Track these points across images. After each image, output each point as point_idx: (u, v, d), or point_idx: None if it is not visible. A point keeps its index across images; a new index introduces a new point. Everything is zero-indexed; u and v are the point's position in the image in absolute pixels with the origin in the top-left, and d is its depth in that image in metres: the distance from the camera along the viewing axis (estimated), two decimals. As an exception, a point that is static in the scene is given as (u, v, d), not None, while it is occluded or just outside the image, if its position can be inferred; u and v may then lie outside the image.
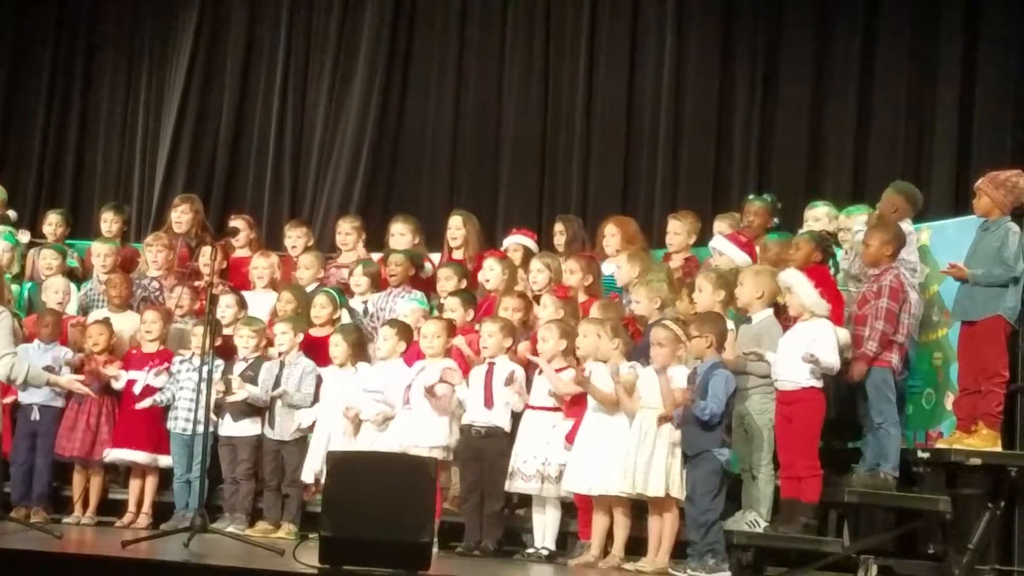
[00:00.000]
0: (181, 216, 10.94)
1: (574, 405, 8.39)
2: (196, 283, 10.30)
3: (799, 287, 7.87)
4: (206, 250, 10.13)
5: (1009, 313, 8.01)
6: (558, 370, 8.52)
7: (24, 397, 9.78)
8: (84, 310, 10.57)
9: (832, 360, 7.77)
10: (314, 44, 12.68)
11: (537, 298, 9.22)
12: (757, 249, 8.95)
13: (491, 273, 9.57)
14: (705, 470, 7.63)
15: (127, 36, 13.29)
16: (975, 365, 8.06)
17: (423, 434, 8.71)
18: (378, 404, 9.04)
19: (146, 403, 9.69)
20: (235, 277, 10.58)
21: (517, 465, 8.48)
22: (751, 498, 7.87)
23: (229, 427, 9.55)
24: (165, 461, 9.74)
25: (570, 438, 8.30)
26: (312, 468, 9.18)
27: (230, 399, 9.42)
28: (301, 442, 9.40)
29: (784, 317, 8.09)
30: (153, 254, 10.64)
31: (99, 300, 10.58)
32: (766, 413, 7.91)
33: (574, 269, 9.30)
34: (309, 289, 10.09)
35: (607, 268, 9.56)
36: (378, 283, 10.07)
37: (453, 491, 8.95)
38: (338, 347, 9.31)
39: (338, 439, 9.10)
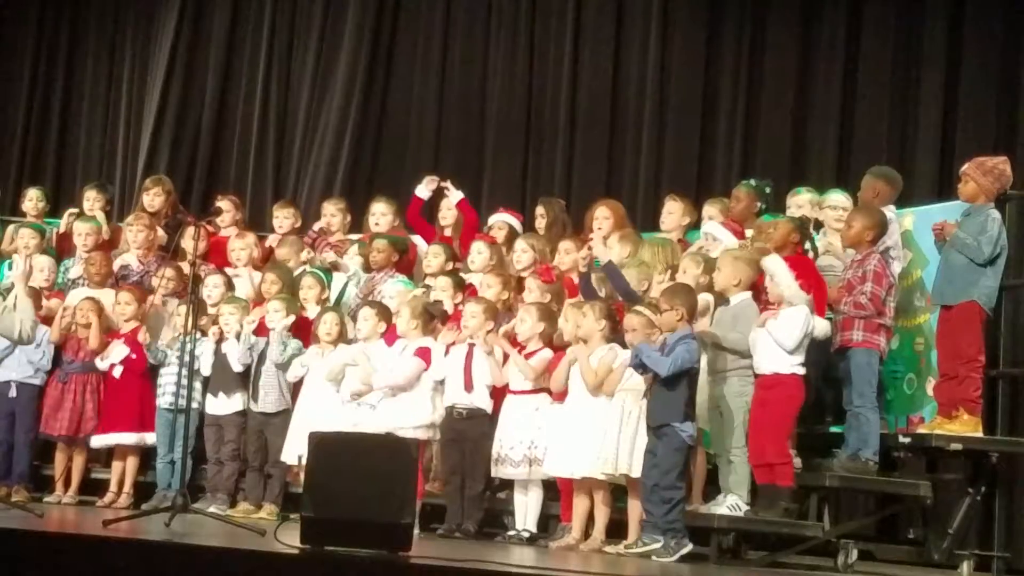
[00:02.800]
0: (154, 198, 10.90)
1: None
2: (180, 263, 10.28)
3: (780, 276, 7.86)
4: (190, 230, 10.10)
5: (984, 299, 8.04)
6: (529, 354, 8.55)
7: (1, 374, 9.79)
8: (63, 288, 10.54)
9: (786, 341, 7.73)
10: (299, 24, 12.63)
11: (520, 280, 9.21)
12: (750, 232, 8.94)
13: (478, 257, 9.56)
14: (668, 447, 7.60)
15: (111, 15, 13.22)
16: (952, 351, 8.10)
17: (406, 415, 8.71)
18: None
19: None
20: (216, 257, 10.54)
21: (504, 452, 8.49)
22: (729, 482, 7.88)
23: (216, 405, 9.55)
24: (152, 439, 9.77)
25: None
26: (293, 450, 9.15)
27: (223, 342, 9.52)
28: (285, 422, 9.40)
29: (763, 301, 8.09)
30: (134, 234, 10.60)
31: (80, 279, 10.55)
32: (742, 396, 7.89)
33: (569, 249, 9.28)
34: (295, 273, 10.08)
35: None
36: (368, 265, 10.06)
37: (435, 473, 8.96)
38: (336, 325, 9.30)
39: (320, 417, 9.10)
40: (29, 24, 13.25)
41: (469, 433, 8.65)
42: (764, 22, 11.26)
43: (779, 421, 7.77)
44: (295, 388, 9.53)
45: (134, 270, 10.49)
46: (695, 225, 9.58)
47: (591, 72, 11.69)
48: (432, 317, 9.04)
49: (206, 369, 9.50)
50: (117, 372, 9.81)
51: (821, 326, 8.01)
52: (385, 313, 9.15)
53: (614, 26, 11.66)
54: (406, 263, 10.10)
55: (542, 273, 9.09)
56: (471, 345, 8.73)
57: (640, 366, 7.74)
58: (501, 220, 10.13)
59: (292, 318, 9.52)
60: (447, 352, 8.86)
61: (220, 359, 9.57)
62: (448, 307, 9.26)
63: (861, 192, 8.76)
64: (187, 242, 10.17)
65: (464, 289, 9.44)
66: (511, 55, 11.97)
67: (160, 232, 10.71)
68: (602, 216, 9.67)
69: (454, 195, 10.16)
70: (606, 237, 9.44)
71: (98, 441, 9.81)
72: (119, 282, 10.42)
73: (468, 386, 8.66)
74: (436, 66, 12.20)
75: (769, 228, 8.55)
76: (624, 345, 8.16)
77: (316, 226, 10.61)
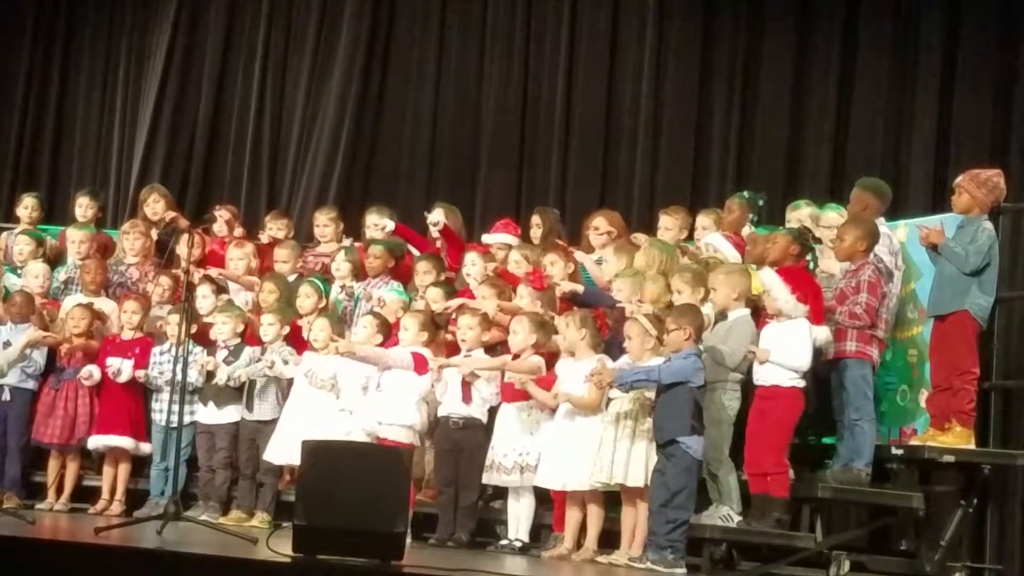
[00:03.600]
0: (154, 205, 10.90)
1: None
2: (175, 270, 10.28)
3: (776, 291, 7.87)
4: (184, 237, 10.12)
5: (976, 310, 8.03)
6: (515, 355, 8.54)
7: (-6, 378, 9.80)
8: (56, 295, 10.53)
9: (799, 363, 7.77)
10: (294, 33, 12.63)
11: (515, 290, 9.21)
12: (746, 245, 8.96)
13: (473, 268, 9.54)
14: (678, 466, 7.61)
15: (106, 23, 13.21)
16: (946, 362, 8.09)
17: (393, 414, 8.68)
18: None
19: (139, 373, 9.70)
20: (213, 266, 10.52)
21: (497, 459, 8.48)
22: (721, 493, 7.88)
23: (210, 415, 9.55)
24: (147, 448, 9.75)
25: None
26: (279, 451, 9.15)
27: (215, 381, 9.45)
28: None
29: (763, 315, 8.10)
30: (130, 241, 10.60)
31: (73, 286, 10.54)
32: (728, 409, 7.91)
33: (554, 260, 9.29)
34: (290, 279, 10.08)
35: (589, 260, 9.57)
36: (359, 270, 10.05)
37: (427, 479, 8.95)
38: (323, 331, 9.27)
39: (306, 421, 9.09)
40: (24, 30, 13.23)
41: (465, 443, 8.63)
42: (759, 34, 11.27)
43: (777, 432, 7.78)
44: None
45: (131, 279, 10.49)
46: (689, 236, 9.59)
47: (586, 83, 11.70)
48: (438, 327, 9.03)
49: (198, 380, 9.48)
50: (124, 378, 9.77)
51: (822, 335, 8.01)
52: (385, 327, 9.12)
53: (609, 38, 11.67)
54: (402, 269, 10.08)
55: (534, 280, 9.08)
56: (469, 356, 8.72)
57: (629, 387, 7.77)
58: (500, 242, 10.05)
59: (287, 328, 9.52)
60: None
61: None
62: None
63: (850, 205, 8.76)
64: (182, 249, 10.21)
65: (455, 297, 9.42)
66: (506, 66, 11.97)
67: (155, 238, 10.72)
68: (601, 227, 9.68)
69: (435, 217, 10.13)
70: (601, 247, 9.49)
71: (95, 442, 9.77)
72: (116, 289, 10.42)
73: (466, 398, 8.65)
74: (431, 76, 12.20)
75: (767, 243, 8.55)
76: (609, 354, 8.18)
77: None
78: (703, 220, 9.61)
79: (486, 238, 10.11)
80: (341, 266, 10.05)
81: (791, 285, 7.88)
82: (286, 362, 9.36)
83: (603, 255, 9.37)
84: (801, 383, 7.81)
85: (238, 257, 10.33)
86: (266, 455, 9.26)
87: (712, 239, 9.10)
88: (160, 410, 9.65)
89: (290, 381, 9.40)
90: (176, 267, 10.26)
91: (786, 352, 7.75)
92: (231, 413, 9.54)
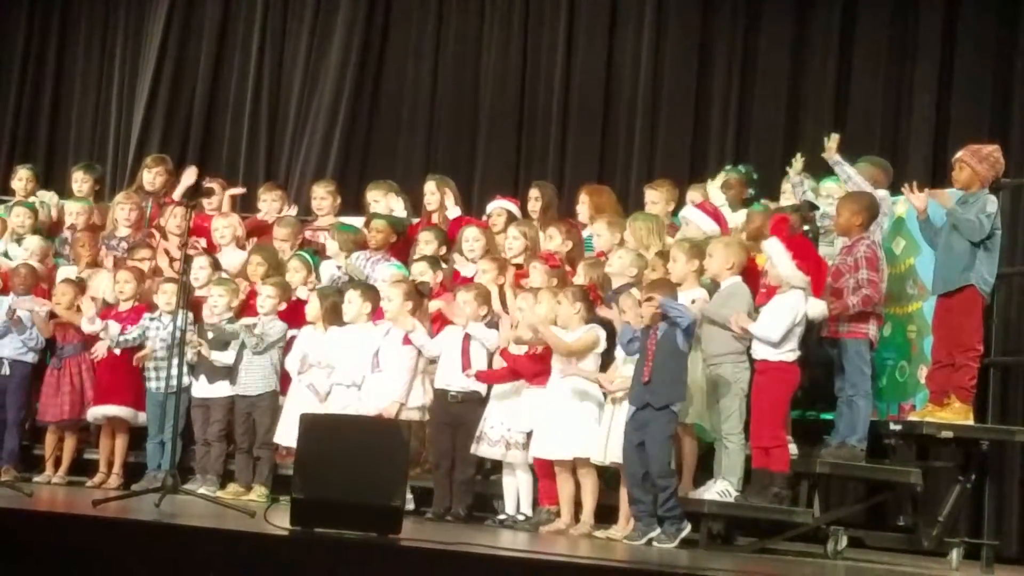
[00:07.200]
0: (156, 177, 10.87)
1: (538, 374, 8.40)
2: (165, 243, 10.27)
3: (778, 258, 7.86)
4: (179, 211, 10.11)
5: (982, 284, 8.02)
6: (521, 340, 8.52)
7: (-6, 352, 9.80)
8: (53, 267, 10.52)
9: (766, 334, 7.75)
10: (292, 6, 12.60)
11: (517, 265, 9.20)
12: (742, 218, 8.93)
13: (476, 244, 9.47)
14: (662, 435, 7.57)
15: (103, -4, 13.21)
16: (950, 338, 8.08)
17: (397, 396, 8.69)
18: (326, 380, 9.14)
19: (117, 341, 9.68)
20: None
21: (484, 430, 8.50)
22: (723, 467, 7.88)
23: (203, 388, 9.53)
24: (145, 418, 9.73)
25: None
26: (287, 431, 9.14)
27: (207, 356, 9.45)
28: (272, 403, 9.38)
29: (763, 285, 8.09)
30: (125, 212, 10.57)
31: (62, 258, 10.54)
32: (738, 382, 7.89)
33: (554, 235, 9.28)
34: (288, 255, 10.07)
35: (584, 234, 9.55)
36: (350, 248, 10.01)
37: (426, 457, 8.95)
38: (312, 307, 9.27)
39: (312, 400, 9.10)
40: (21, 3, 13.19)
41: (464, 417, 8.63)
42: (758, 10, 11.23)
43: (771, 405, 7.78)
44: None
45: (124, 250, 10.46)
46: (677, 210, 9.57)
47: (585, 60, 11.67)
48: (422, 296, 9.04)
49: (191, 357, 9.47)
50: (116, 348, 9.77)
51: (819, 307, 7.98)
52: (369, 293, 9.13)
53: (608, 14, 11.64)
54: (403, 246, 10.04)
55: (549, 259, 9.07)
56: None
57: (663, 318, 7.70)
58: (499, 207, 10.04)
59: (284, 305, 9.51)
60: (437, 332, 8.86)
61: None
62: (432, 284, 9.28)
63: (853, 178, 8.74)
64: (170, 222, 10.22)
65: (442, 268, 9.42)
66: (504, 41, 11.94)
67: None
68: (581, 201, 9.70)
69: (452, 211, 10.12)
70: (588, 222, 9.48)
71: (93, 413, 9.75)
72: (116, 262, 10.41)
73: (466, 365, 8.63)
74: (429, 51, 12.17)
75: (765, 219, 8.55)
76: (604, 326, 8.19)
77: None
78: (692, 194, 9.59)
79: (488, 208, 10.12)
80: (331, 244, 10.02)
81: (792, 252, 7.87)
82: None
83: (594, 230, 9.37)
84: (791, 356, 7.80)
85: (223, 227, 10.30)
86: (276, 438, 9.26)
87: (686, 211, 9.08)
88: (148, 378, 9.65)
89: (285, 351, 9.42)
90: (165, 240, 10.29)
91: (761, 322, 7.75)
92: (223, 387, 9.54)
